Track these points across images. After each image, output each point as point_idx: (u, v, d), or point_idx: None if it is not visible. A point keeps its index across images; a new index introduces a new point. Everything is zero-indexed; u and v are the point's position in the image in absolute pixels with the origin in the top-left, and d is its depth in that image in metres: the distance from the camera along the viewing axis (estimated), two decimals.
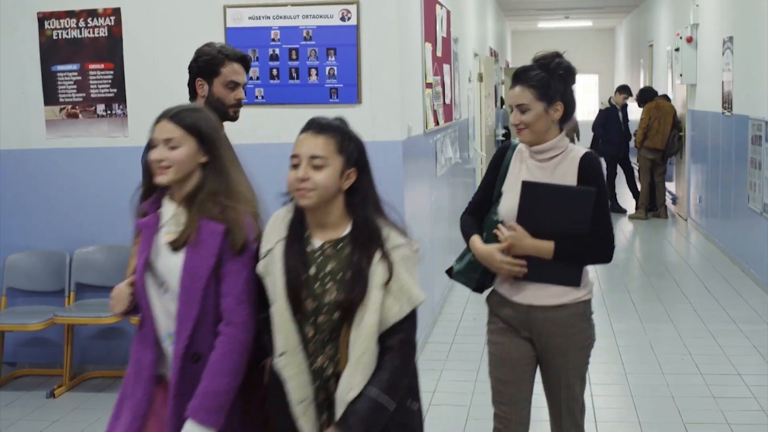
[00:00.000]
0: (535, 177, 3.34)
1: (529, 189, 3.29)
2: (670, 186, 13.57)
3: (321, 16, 5.53)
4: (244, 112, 5.61)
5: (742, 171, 8.90)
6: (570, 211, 3.29)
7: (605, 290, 8.29)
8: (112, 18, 5.76)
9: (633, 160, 13.73)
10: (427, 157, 6.90)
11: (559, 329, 3.48)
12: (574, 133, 17.02)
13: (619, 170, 13.43)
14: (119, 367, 6.02)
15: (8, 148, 5.99)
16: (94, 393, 5.77)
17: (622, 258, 10.04)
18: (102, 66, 5.81)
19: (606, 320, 7.20)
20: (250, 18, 5.59)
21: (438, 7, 7.43)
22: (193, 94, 3.89)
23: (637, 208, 12.78)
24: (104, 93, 5.83)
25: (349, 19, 5.51)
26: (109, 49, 5.79)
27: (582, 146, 3.46)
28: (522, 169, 3.40)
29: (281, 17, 5.56)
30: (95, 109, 5.86)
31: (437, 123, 7.18)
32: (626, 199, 13.78)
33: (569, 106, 3.35)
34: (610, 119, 13.23)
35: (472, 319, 7.34)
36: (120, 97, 5.81)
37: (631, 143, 13.38)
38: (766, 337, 6.60)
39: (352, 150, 2.82)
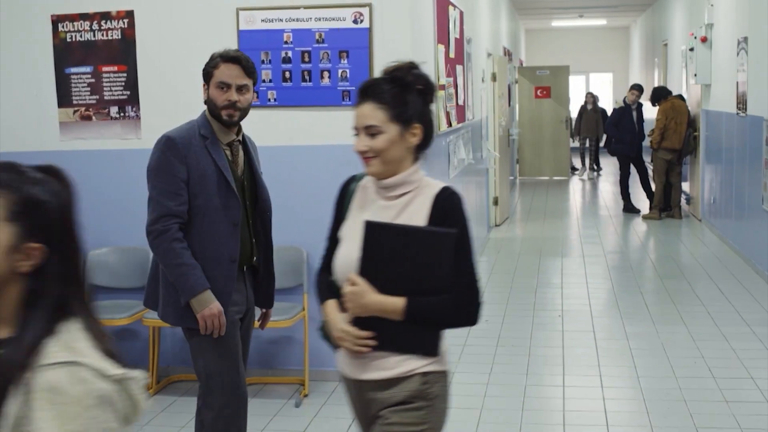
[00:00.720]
0: (379, 218, 2.69)
1: (373, 231, 2.63)
2: (685, 186, 13.53)
3: (333, 19, 5.53)
4: (257, 114, 5.65)
5: (756, 172, 8.86)
6: (424, 258, 2.62)
7: (618, 292, 8.27)
8: (126, 20, 5.77)
9: (647, 159, 13.70)
10: (440, 158, 6.90)
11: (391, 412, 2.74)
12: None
13: (633, 170, 13.40)
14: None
15: (22, 150, 6.01)
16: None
17: (636, 259, 10.02)
18: (115, 68, 5.82)
19: (619, 322, 7.19)
20: (262, 20, 5.60)
21: (451, 8, 7.42)
22: (204, 99, 3.90)
23: (651, 209, 12.74)
24: (117, 95, 5.85)
25: (361, 21, 5.51)
26: (122, 51, 5.80)
27: (439, 181, 2.80)
28: (365, 209, 2.79)
29: (294, 20, 5.57)
30: (108, 111, 5.88)
31: (450, 124, 7.18)
32: (640, 199, 13.75)
33: (428, 129, 2.75)
34: (624, 119, 13.20)
35: (484, 321, 7.33)
36: (133, 100, 5.83)
37: (645, 143, 13.35)
38: None
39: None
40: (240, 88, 3.77)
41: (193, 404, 5.50)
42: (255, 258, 3.95)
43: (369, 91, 2.72)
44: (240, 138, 3.93)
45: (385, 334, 2.66)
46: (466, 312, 2.68)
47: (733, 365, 6.06)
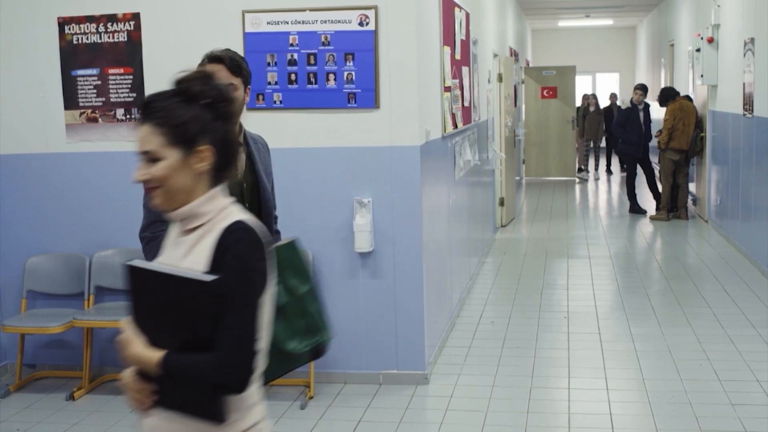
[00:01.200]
0: (170, 257, 2.37)
1: (135, 275, 2.32)
2: (691, 187, 13.50)
3: (339, 21, 5.53)
4: (262, 116, 5.68)
5: (763, 173, 8.84)
6: (183, 309, 2.24)
7: (624, 293, 8.26)
8: (132, 23, 5.78)
9: (654, 160, 13.68)
10: (446, 160, 6.90)
11: None
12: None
13: (639, 170, 13.38)
14: None
15: (29, 152, 6.03)
16: (113, 395, 5.80)
17: (642, 260, 10.01)
18: (121, 70, 5.84)
19: (624, 324, 7.19)
20: (268, 23, 5.60)
21: (457, 10, 7.41)
22: None
23: (658, 210, 12.73)
24: (124, 97, 5.86)
25: (367, 24, 5.51)
26: (128, 53, 5.81)
27: (241, 213, 2.35)
28: (168, 246, 2.46)
29: (300, 22, 5.57)
30: (115, 113, 5.89)
31: (456, 126, 7.17)
32: (646, 200, 13.73)
33: (224, 149, 2.36)
34: (631, 119, 13.18)
35: (490, 322, 7.33)
36: (139, 102, 5.84)
37: (652, 143, 13.33)
38: None
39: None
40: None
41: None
42: None
43: (147, 109, 2.38)
44: (239, 139, 3.89)
45: (164, 390, 2.29)
46: (229, 374, 2.20)
47: (739, 368, 6.05)
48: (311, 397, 5.63)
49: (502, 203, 12.17)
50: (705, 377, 5.87)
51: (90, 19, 5.83)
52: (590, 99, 19.15)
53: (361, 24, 5.52)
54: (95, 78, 5.88)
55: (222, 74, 3.69)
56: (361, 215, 5.67)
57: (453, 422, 5.24)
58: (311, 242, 5.75)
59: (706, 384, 5.73)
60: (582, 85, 23.99)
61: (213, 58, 3.73)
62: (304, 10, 5.57)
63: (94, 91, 5.89)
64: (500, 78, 11.88)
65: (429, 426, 5.25)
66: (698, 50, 11.92)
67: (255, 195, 3.91)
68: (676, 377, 5.87)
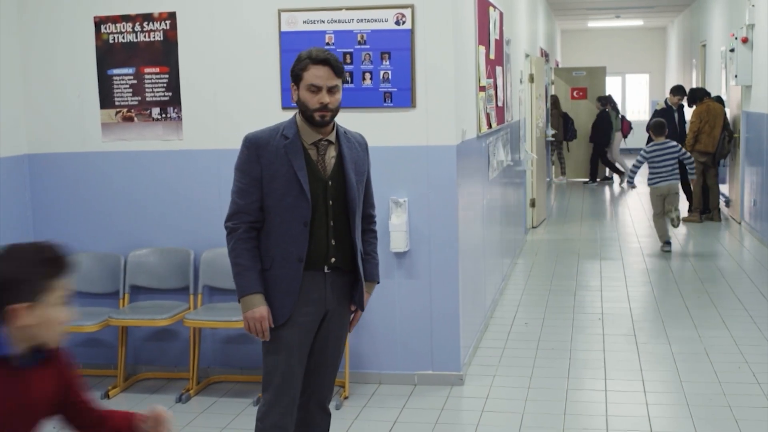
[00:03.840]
0: None
1: None
2: (723, 189, 13.38)
3: (376, 20, 5.51)
4: None
5: None
6: None
7: (659, 296, 8.19)
8: (168, 22, 5.79)
9: None
10: (480, 160, 6.86)
11: None
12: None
13: None
14: (172, 369, 6.09)
15: (65, 151, 6.05)
16: (147, 394, 5.81)
17: (676, 262, 9.91)
18: (157, 70, 5.84)
19: (660, 326, 7.12)
20: (304, 22, 5.59)
21: (491, 9, 7.38)
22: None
23: (690, 211, 12.62)
24: (159, 96, 5.86)
25: (404, 23, 5.48)
26: (164, 53, 5.82)
27: None
28: None
29: (336, 21, 5.55)
30: (150, 112, 5.90)
31: (490, 126, 7.14)
32: (681, 201, 13.59)
33: None
34: (666, 120, 13.05)
35: (523, 324, 7.28)
36: (175, 101, 5.84)
37: None
38: None
39: None
40: (330, 89, 3.74)
41: (233, 405, 5.54)
42: (333, 259, 3.89)
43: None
44: (331, 137, 3.86)
45: None
46: None
47: None
48: (346, 397, 5.61)
49: (533, 204, 12.11)
50: (743, 380, 5.79)
51: (126, 18, 5.84)
52: (603, 101, 18.50)
53: (397, 23, 5.50)
54: (131, 77, 5.89)
55: (327, 75, 3.71)
56: (396, 215, 5.65)
57: (489, 423, 5.20)
58: None
59: (744, 387, 5.66)
60: (612, 87, 23.87)
61: (319, 60, 3.72)
62: (340, 8, 5.55)
63: (130, 90, 5.89)
64: (531, 78, 11.83)
65: (465, 427, 5.22)
66: (732, 50, 11.81)
67: (341, 193, 3.84)
68: (714, 380, 5.80)
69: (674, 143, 10.59)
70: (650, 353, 6.45)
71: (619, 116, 17.98)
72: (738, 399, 5.44)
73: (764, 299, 7.89)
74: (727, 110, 12.67)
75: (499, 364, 6.24)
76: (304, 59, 3.74)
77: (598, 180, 17.63)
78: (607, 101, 17.60)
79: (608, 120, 17.35)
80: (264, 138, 3.80)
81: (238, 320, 5.53)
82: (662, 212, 10.40)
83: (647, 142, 11.04)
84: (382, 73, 5.55)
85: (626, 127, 18.05)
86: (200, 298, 5.92)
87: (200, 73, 5.83)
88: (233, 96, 5.81)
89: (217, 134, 5.85)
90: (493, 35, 7.49)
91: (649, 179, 10.59)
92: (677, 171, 10.49)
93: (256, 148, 3.78)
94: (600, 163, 17.71)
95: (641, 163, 10.66)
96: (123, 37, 5.86)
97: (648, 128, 10.90)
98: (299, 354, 3.84)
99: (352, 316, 4.02)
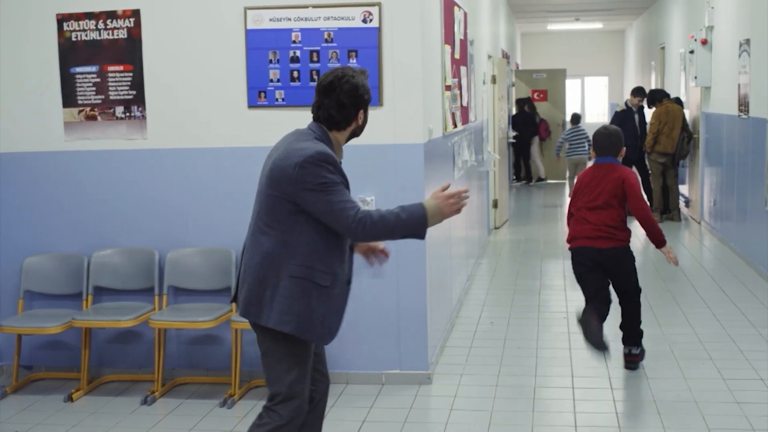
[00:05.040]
0: None
1: None
2: (683, 189, 13.52)
3: (342, 18, 5.49)
4: (264, 114, 5.65)
5: (759, 174, 8.84)
6: None
7: None
8: (132, 20, 5.73)
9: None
10: (446, 159, 6.86)
11: None
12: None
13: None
14: (137, 371, 6.02)
15: (27, 151, 5.96)
16: (112, 397, 5.74)
17: (638, 262, 9.94)
18: (121, 68, 5.78)
19: None
20: (270, 20, 5.55)
21: (456, 9, 7.39)
22: (349, 121, 3.81)
23: (651, 211, 12.71)
24: (123, 95, 5.80)
25: (371, 21, 5.47)
26: (128, 50, 5.76)
27: None
28: None
29: (302, 19, 5.53)
30: (114, 111, 5.83)
31: (455, 126, 7.14)
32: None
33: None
34: (626, 122, 13.16)
35: (489, 322, 7.30)
36: (139, 100, 5.78)
37: None
38: None
39: None
40: None
41: (199, 406, 5.48)
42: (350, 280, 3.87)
43: None
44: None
45: None
46: None
47: (742, 366, 6.03)
48: None
49: (495, 205, 12.14)
50: (708, 376, 5.84)
51: (89, 15, 5.77)
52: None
53: (364, 21, 5.48)
54: (94, 75, 5.82)
55: None
56: None
57: (458, 422, 5.20)
58: None
59: (710, 383, 5.71)
60: (572, 89, 24.06)
61: None
62: (306, 6, 5.53)
63: (93, 88, 5.82)
64: (494, 80, 11.87)
65: (434, 426, 5.21)
66: (692, 52, 11.94)
67: None
68: (679, 376, 5.85)
69: (583, 129, 15.06)
70: (615, 351, 6.46)
71: (537, 118, 18.12)
72: (703, 395, 5.48)
73: (726, 297, 7.98)
74: (686, 111, 12.81)
75: (466, 363, 6.24)
76: (367, 87, 3.78)
77: (524, 181, 18.12)
78: (525, 102, 17.75)
79: (531, 120, 17.55)
80: (332, 153, 3.66)
81: (204, 321, 5.50)
82: (574, 175, 14.29)
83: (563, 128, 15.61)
84: None
85: (543, 130, 18.13)
86: (165, 299, 5.86)
87: (165, 71, 5.77)
88: (198, 95, 5.76)
89: (182, 133, 5.79)
90: (458, 35, 7.50)
91: (567, 152, 14.95)
92: (586, 148, 14.59)
93: (334, 162, 3.62)
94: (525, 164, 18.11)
95: (563, 141, 15.28)
96: (86, 35, 5.78)
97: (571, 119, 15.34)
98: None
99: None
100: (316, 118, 3.79)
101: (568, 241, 6.03)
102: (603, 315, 5.75)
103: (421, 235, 3.65)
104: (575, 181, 6.14)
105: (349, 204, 3.58)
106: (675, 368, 6.01)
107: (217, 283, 5.79)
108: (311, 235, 3.62)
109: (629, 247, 6.01)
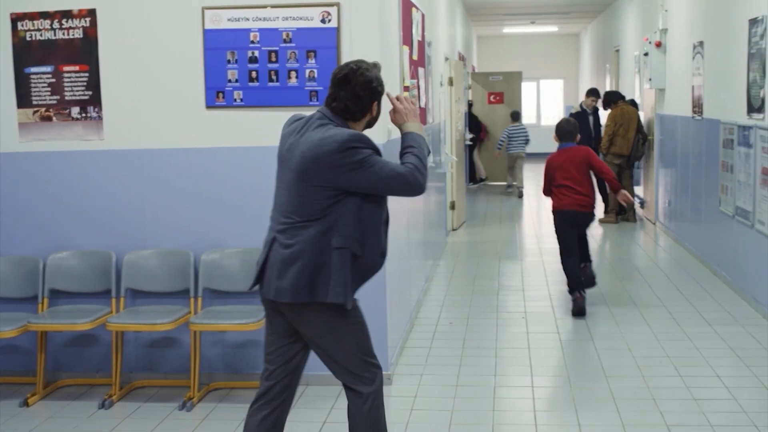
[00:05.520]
0: None
1: None
2: (638, 190, 13.66)
3: (301, 18, 5.48)
4: (222, 114, 5.62)
5: (713, 175, 8.96)
6: None
7: None
8: (88, 19, 5.66)
9: None
10: None
11: None
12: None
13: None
14: (94, 374, 5.95)
15: None
16: (68, 401, 5.67)
17: (594, 261, 10.05)
18: (77, 68, 5.71)
19: (582, 323, 7.22)
20: (228, 20, 5.52)
21: (414, 10, 7.40)
22: (364, 112, 3.92)
23: (606, 212, 12.85)
24: (79, 95, 5.73)
25: (329, 21, 5.46)
26: (84, 50, 5.69)
27: None
28: None
29: (260, 19, 5.50)
30: (69, 111, 5.76)
31: None
32: (596, 203, 13.83)
33: None
34: (581, 123, 13.24)
35: (448, 323, 7.31)
36: (95, 100, 5.72)
37: None
38: (741, 339, 6.64)
39: None
40: None
41: (158, 410, 5.43)
42: None
43: None
44: None
45: None
46: None
47: (699, 364, 6.10)
48: None
49: (453, 207, 12.18)
50: (666, 374, 5.90)
51: (44, 15, 5.70)
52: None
53: (323, 21, 5.47)
54: (49, 76, 5.74)
55: None
56: None
57: (419, 421, 5.20)
58: None
59: (667, 380, 5.77)
60: (527, 92, 24.22)
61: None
62: (265, 6, 5.50)
63: (48, 89, 5.75)
64: (451, 82, 11.90)
65: (395, 426, 5.20)
66: (646, 54, 12.06)
67: None
68: (637, 374, 5.90)
69: (523, 126, 16.74)
70: (574, 350, 6.54)
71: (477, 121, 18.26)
72: (661, 392, 5.54)
73: (681, 296, 8.07)
74: (641, 113, 12.94)
75: (426, 363, 6.25)
76: (381, 80, 3.91)
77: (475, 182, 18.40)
78: (469, 105, 17.96)
79: (475, 122, 17.66)
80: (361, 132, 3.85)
81: (163, 323, 5.45)
82: (513, 167, 16.59)
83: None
84: (308, 71, 5.51)
85: (483, 132, 18.25)
86: (122, 302, 5.79)
87: (121, 71, 5.72)
88: (156, 95, 5.72)
89: (140, 134, 5.74)
90: (416, 36, 7.51)
91: (507, 148, 16.47)
92: (524, 145, 16.32)
93: (367, 139, 3.77)
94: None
95: (504, 137, 16.53)
96: (41, 35, 5.71)
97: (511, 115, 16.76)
98: None
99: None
100: (331, 110, 3.88)
101: (555, 206, 7.74)
102: (578, 263, 7.77)
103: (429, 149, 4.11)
104: (544, 165, 7.79)
105: (395, 166, 3.77)
106: (633, 367, 6.07)
107: (175, 285, 5.74)
108: (352, 211, 3.74)
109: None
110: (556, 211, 7.73)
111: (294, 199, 3.77)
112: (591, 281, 7.93)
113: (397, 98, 4.00)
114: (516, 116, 16.91)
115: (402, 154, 3.86)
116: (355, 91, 3.83)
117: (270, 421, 4.06)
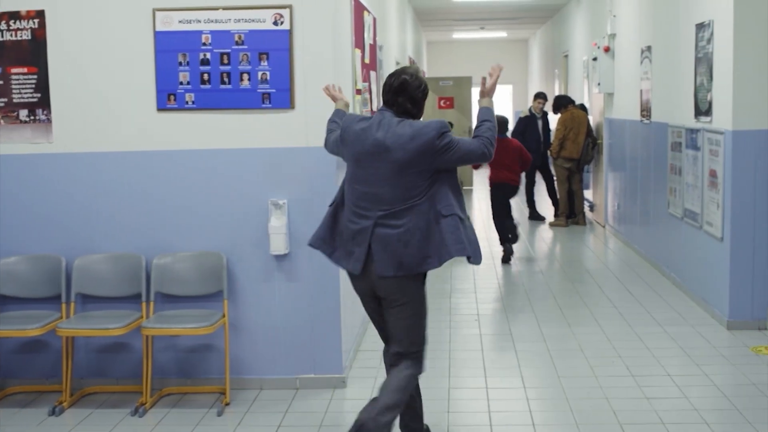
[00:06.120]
0: None
1: None
2: (588, 194, 13.79)
3: (253, 20, 5.45)
4: (174, 117, 5.58)
5: (661, 177, 9.07)
6: None
7: (531, 297, 8.35)
8: (36, 21, 5.59)
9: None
10: None
11: None
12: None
13: (539, 178, 13.62)
14: (44, 381, 5.86)
15: None
16: (18, 408, 5.58)
17: (545, 264, 10.15)
18: (25, 70, 5.63)
19: (535, 325, 7.26)
20: (180, 21, 5.48)
21: (366, 13, 7.41)
22: (421, 111, 4.52)
23: (556, 216, 12.95)
24: (27, 98, 5.65)
25: (282, 23, 5.44)
26: (32, 52, 5.61)
27: None
28: None
29: (212, 21, 5.47)
30: (18, 114, 5.67)
31: None
32: (546, 207, 13.97)
33: None
34: (529, 127, 13.39)
35: None
36: (44, 103, 5.64)
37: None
38: (691, 338, 6.73)
39: None
40: None
41: (110, 416, 5.37)
42: None
43: None
44: None
45: None
46: None
47: (650, 363, 6.17)
48: (227, 404, 5.51)
49: None
50: (618, 373, 5.96)
51: None
52: None
53: (275, 23, 5.45)
54: None
55: None
56: (276, 217, 5.59)
57: None
58: (226, 245, 5.65)
59: (619, 380, 5.83)
60: (477, 97, 24.28)
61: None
62: (217, 8, 5.47)
63: None
64: None
65: None
66: (595, 59, 12.19)
67: None
68: (590, 374, 5.95)
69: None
70: (527, 351, 6.57)
71: None
72: (614, 391, 5.59)
73: (632, 297, 8.16)
74: (590, 117, 13.07)
75: (380, 366, 6.20)
76: (425, 83, 4.55)
77: None
78: None
79: None
80: None
81: (114, 328, 5.38)
82: None
83: None
84: (260, 73, 5.49)
85: None
86: (73, 307, 5.71)
87: (70, 73, 5.64)
88: (106, 98, 5.65)
89: (90, 137, 5.67)
90: (368, 40, 7.52)
91: None
92: None
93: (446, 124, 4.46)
94: None
95: None
96: None
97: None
98: None
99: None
100: (394, 112, 4.43)
101: (492, 179, 10.23)
102: (505, 223, 10.27)
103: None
104: None
105: (471, 141, 4.51)
106: (585, 367, 6.12)
107: (126, 289, 5.68)
108: (443, 184, 4.38)
109: None
110: (493, 183, 10.23)
111: (396, 187, 4.30)
112: (515, 236, 10.28)
113: (492, 74, 4.75)
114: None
115: (479, 125, 4.57)
116: (412, 96, 4.43)
117: None
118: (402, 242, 4.28)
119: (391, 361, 4.55)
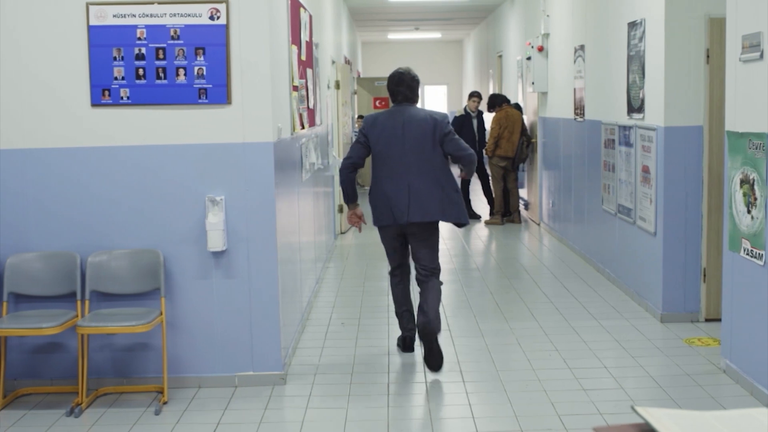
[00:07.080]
0: None
1: None
2: (522, 192, 13.93)
3: (189, 15, 5.40)
4: (108, 113, 5.50)
5: (595, 174, 9.20)
6: None
7: (468, 293, 8.41)
8: None
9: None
10: (294, 160, 6.85)
11: None
12: None
13: (474, 177, 13.72)
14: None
15: None
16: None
17: (481, 261, 10.23)
18: None
19: (473, 321, 7.31)
20: (114, 16, 5.41)
21: (302, 10, 7.39)
22: (417, 96, 6.21)
23: (492, 214, 13.06)
24: None
25: (218, 18, 5.40)
26: None
27: None
28: None
29: (148, 15, 5.40)
30: None
31: (303, 127, 7.13)
32: (481, 205, 14.08)
33: None
34: (464, 127, 13.46)
35: (340, 323, 7.31)
36: None
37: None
38: (626, 331, 6.83)
39: None
40: None
41: (44, 417, 5.28)
42: None
43: None
44: None
45: None
46: None
47: (586, 356, 6.26)
48: (165, 402, 5.45)
49: (341, 210, 12.19)
50: (555, 366, 6.03)
51: None
52: None
53: (211, 18, 5.41)
54: None
55: None
56: (213, 213, 5.55)
57: (314, 420, 5.18)
58: (162, 242, 5.59)
59: (557, 372, 5.90)
60: None
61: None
62: (152, 2, 5.41)
63: None
64: (338, 85, 11.93)
65: (290, 425, 5.18)
66: (528, 59, 12.32)
67: None
68: (528, 367, 6.01)
69: None
70: (465, 346, 6.61)
71: None
72: (551, 383, 5.65)
73: (567, 292, 8.26)
74: (525, 116, 13.20)
75: (319, 363, 6.23)
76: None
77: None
78: None
79: None
80: None
81: (49, 327, 5.29)
82: None
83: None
84: (196, 69, 5.44)
85: None
86: (5, 306, 5.60)
87: (2, 69, 5.53)
88: (38, 93, 5.55)
89: (22, 134, 5.56)
90: (304, 37, 7.50)
91: None
92: None
93: None
94: None
95: None
96: None
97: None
98: None
99: None
100: (397, 102, 6.22)
101: None
102: None
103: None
104: None
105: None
106: (523, 360, 6.18)
107: (61, 288, 5.58)
108: (446, 166, 6.10)
109: None
110: None
111: (425, 156, 5.96)
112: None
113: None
114: None
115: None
116: (409, 84, 6.18)
117: (404, 284, 6.43)
118: (431, 196, 5.92)
119: (421, 278, 6.14)
